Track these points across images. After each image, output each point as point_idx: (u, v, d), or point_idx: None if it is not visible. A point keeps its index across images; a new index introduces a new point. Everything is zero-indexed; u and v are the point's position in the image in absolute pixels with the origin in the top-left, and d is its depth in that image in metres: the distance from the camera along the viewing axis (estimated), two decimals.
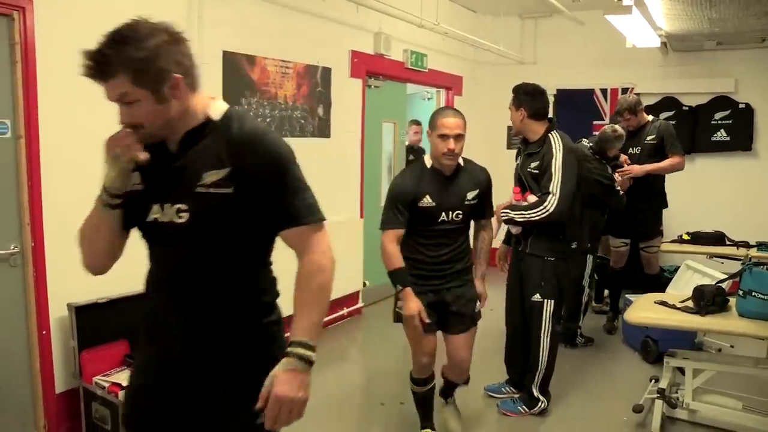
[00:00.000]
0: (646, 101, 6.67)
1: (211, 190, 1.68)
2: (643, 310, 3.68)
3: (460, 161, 3.14)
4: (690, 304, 3.56)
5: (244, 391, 1.72)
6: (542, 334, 3.71)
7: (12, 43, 3.14)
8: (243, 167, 1.67)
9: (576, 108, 7.46)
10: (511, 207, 3.66)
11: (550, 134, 3.59)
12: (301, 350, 1.67)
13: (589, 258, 4.90)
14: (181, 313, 1.78)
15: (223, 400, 1.76)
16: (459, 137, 3.01)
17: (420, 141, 7.03)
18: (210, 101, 1.78)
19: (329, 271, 1.79)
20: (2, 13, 3.08)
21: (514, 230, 3.74)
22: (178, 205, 1.71)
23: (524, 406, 3.83)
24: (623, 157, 5.07)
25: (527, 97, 3.64)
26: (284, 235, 1.78)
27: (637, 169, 5.10)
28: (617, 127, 4.91)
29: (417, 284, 3.08)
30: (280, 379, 1.63)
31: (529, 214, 3.53)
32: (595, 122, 7.20)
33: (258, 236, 1.81)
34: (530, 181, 3.66)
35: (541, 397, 3.81)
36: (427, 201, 3.05)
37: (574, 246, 3.78)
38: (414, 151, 6.97)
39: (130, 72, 1.59)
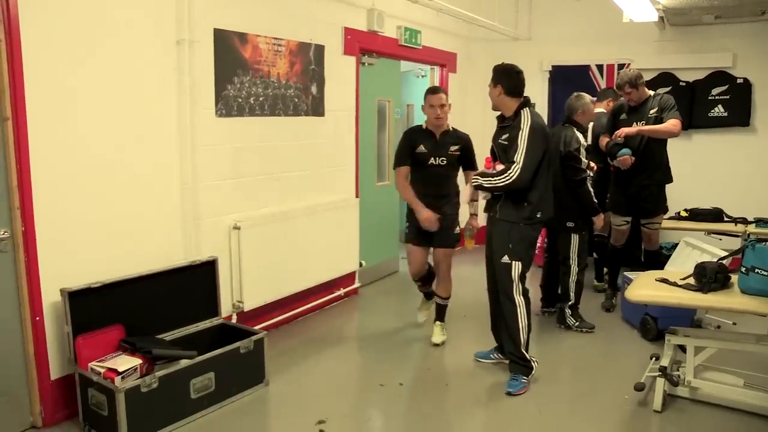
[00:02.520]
0: (644, 76, 6.61)
1: None
2: (644, 287, 3.65)
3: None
4: (691, 281, 3.54)
5: None
6: (515, 294, 3.88)
7: None
8: None
9: (571, 85, 7.29)
10: (481, 174, 4.00)
11: (522, 110, 3.83)
12: None
13: (574, 237, 4.85)
14: None
15: None
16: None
17: None
18: None
19: None
20: None
21: (482, 195, 4.03)
22: None
23: (523, 377, 3.89)
24: (592, 164, 4.95)
25: (504, 75, 3.89)
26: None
27: (629, 130, 5.01)
28: (581, 93, 4.96)
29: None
30: None
31: (495, 180, 3.82)
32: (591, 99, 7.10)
33: None
34: (500, 151, 3.95)
35: (532, 358, 3.95)
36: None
37: (539, 215, 3.86)
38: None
39: None
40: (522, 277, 3.89)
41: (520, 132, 3.74)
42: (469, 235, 4.52)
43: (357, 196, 5.71)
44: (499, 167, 3.86)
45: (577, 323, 4.92)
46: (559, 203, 4.34)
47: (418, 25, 6.41)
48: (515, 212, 3.83)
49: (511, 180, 3.72)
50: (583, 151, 4.69)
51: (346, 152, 5.57)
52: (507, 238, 3.85)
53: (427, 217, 4.32)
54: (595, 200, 4.81)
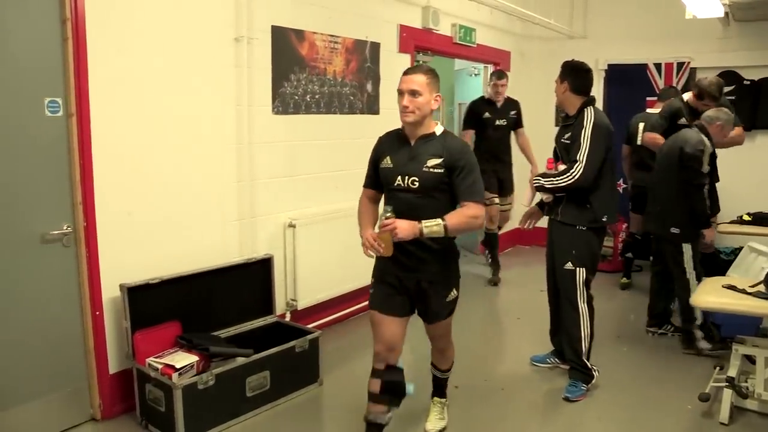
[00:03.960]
0: (703, 75, 6.39)
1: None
2: (711, 294, 3.52)
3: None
4: (762, 288, 3.40)
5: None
6: (579, 301, 3.74)
7: (63, 19, 3.09)
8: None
9: (628, 84, 7.20)
10: (543, 174, 3.83)
11: (585, 108, 3.70)
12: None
13: (686, 246, 4.36)
14: None
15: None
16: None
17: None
18: None
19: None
20: None
21: (545, 197, 3.87)
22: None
23: (582, 384, 3.78)
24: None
25: (572, 72, 3.78)
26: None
27: None
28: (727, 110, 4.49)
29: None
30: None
31: (557, 180, 3.68)
32: (648, 98, 6.90)
33: None
34: (562, 151, 3.81)
35: (594, 366, 3.82)
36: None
37: (604, 219, 3.71)
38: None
39: None
40: (587, 284, 3.76)
41: (583, 130, 3.62)
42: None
43: None
44: (561, 167, 3.74)
45: (710, 346, 4.38)
46: (664, 207, 4.20)
47: (473, 22, 6.33)
48: (578, 215, 3.70)
49: (573, 179, 3.60)
50: (706, 157, 4.25)
51: None
52: (570, 243, 3.73)
53: (365, 237, 2.86)
54: (709, 211, 4.40)
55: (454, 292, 3.03)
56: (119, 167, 3.35)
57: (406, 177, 2.81)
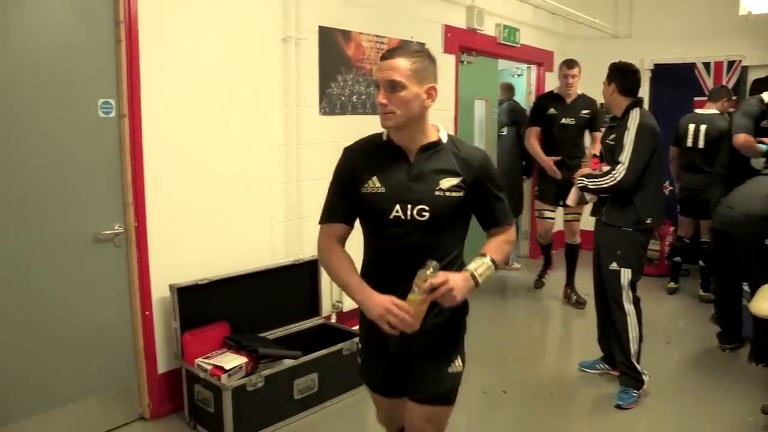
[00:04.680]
0: (757, 75, 6.22)
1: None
2: None
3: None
4: None
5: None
6: (624, 302, 3.70)
7: (117, 21, 3.11)
8: None
9: (675, 84, 7.03)
10: (587, 175, 3.83)
11: (631, 110, 3.68)
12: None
13: None
14: None
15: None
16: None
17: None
18: None
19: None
20: None
21: (588, 197, 3.94)
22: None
23: (634, 390, 3.71)
24: None
25: (619, 73, 3.77)
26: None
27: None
28: None
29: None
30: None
31: (600, 181, 3.68)
32: (696, 98, 6.73)
33: None
34: (606, 152, 3.81)
35: (644, 371, 3.74)
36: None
37: (649, 221, 3.66)
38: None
39: None
40: (632, 285, 3.71)
41: (627, 132, 3.60)
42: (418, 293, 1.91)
43: None
44: (605, 168, 3.73)
45: None
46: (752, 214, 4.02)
47: (516, 22, 6.24)
48: (622, 216, 3.67)
49: (615, 181, 3.58)
50: None
51: None
52: (615, 244, 3.69)
53: (380, 312, 1.90)
54: None
55: (459, 363, 2.14)
56: (169, 168, 3.36)
57: (409, 205, 1.97)
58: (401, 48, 2.00)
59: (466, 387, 4.02)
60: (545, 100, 5.63)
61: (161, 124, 3.30)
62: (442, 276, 1.85)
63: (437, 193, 1.97)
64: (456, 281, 1.87)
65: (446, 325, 2.07)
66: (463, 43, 5.54)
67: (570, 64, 5.38)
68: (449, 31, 5.31)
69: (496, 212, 2.10)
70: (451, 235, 2.06)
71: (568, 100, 5.41)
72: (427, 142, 2.04)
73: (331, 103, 4.23)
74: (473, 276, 1.94)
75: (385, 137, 2.09)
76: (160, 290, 3.38)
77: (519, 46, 6.34)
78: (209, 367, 3.23)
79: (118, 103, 3.16)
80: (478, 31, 5.68)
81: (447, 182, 1.99)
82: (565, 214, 5.51)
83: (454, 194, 1.99)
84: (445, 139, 2.06)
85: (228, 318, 3.55)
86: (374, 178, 2.02)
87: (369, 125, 4.52)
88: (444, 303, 1.89)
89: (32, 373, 2.96)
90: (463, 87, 5.62)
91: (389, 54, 1.97)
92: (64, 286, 3.05)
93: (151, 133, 3.25)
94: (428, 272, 1.85)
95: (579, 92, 5.44)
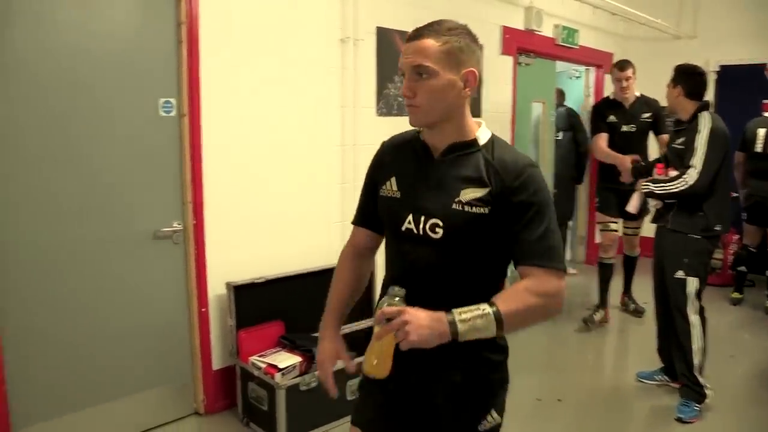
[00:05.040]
0: None
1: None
2: None
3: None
4: None
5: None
6: (689, 312, 3.56)
7: (178, 23, 3.16)
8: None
9: (742, 86, 6.77)
10: (653, 180, 3.70)
11: (700, 114, 3.58)
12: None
13: None
14: None
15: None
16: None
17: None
18: None
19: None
20: None
21: (653, 203, 3.78)
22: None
23: (695, 404, 3.57)
24: None
25: (685, 76, 3.67)
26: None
27: None
28: None
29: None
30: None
31: (668, 186, 3.55)
32: (765, 101, 6.47)
33: None
34: (674, 156, 3.68)
35: (707, 385, 3.59)
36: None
37: (718, 228, 3.53)
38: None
39: None
40: (698, 294, 3.57)
41: (698, 135, 3.49)
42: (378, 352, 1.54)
43: None
44: (672, 173, 3.60)
45: None
46: None
47: (575, 23, 6.13)
48: (690, 222, 3.53)
49: (687, 185, 3.46)
50: None
51: None
52: (682, 252, 3.56)
53: (320, 362, 1.85)
54: None
55: (493, 417, 1.68)
56: (227, 167, 3.40)
57: (422, 217, 1.59)
58: (430, 26, 1.61)
59: (520, 393, 3.98)
60: (604, 107, 5.13)
61: (220, 123, 3.33)
62: (397, 308, 1.44)
63: (455, 206, 1.55)
64: (416, 316, 1.42)
65: (469, 383, 1.63)
66: (521, 44, 5.46)
67: (622, 65, 4.95)
68: (507, 32, 5.24)
69: (529, 245, 1.53)
70: (479, 266, 1.60)
71: (627, 105, 4.95)
72: (456, 141, 1.62)
73: (387, 104, 4.21)
74: (452, 320, 1.43)
75: (420, 132, 1.72)
76: (216, 288, 3.41)
77: (578, 47, 6.22)
78: (263, 366, 3.25)
79: (178, 103, 3.21)
80: (537, 32, 5.59)
81: (469, 193, 1.55)
82: (625, 227, 5.19)
83: (474, 210, 1.54)
84: (483, 140, 1.62)
85: (283, 317, 3.57)
86: (392, 180, 1.69)
87: None
88: (399, 341, 1.42)
89: (92, 366, 3.03)
90: (520, 89, 5.53)
91: (416, 34, 1.59)
92: (124, 281, 3.11)
93: (210, 132, 3.29)
94: (394, 300, 1.48)
95: (637, 94, 4.99)
